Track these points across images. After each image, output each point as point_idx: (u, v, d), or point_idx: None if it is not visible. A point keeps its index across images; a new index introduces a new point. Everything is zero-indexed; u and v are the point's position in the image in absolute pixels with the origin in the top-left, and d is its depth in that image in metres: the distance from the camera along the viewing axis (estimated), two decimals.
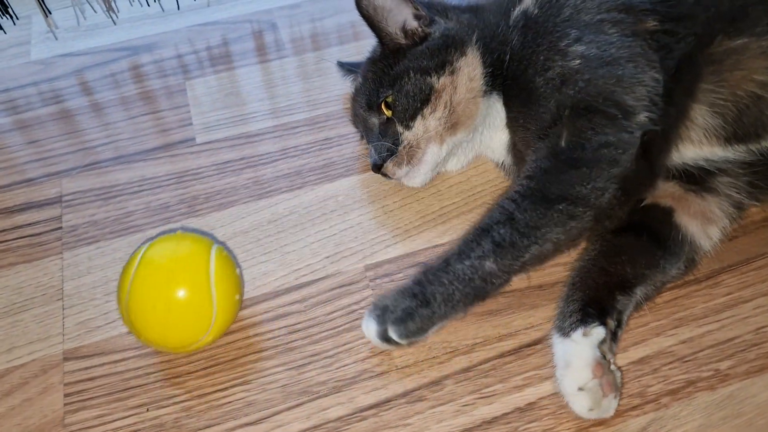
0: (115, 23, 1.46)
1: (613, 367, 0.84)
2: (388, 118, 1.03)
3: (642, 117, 0.91)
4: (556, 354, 0.86)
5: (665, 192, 0.97)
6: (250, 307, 0.97)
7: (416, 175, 1.05)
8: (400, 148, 1.02)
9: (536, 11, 1.00)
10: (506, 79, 1.01)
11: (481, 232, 0.88)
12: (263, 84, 1.33)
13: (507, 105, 1.02)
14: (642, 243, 0.94)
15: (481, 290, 0.87)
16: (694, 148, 0.96)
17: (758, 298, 0.93)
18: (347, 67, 1.23)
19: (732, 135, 0.94)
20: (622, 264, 0.92)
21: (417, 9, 1.04)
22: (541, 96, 0.95)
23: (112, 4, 1.43)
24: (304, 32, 1.45)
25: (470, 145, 1.08)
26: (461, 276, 0.86)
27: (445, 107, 1.00)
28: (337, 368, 0.90)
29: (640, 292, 0.91)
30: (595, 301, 0.89)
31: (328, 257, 1.03)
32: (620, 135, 0.89)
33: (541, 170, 0.89)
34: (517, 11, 1.03)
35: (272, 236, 1.06)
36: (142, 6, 1.50)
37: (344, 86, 1.26)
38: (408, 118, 1.01)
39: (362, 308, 0.96)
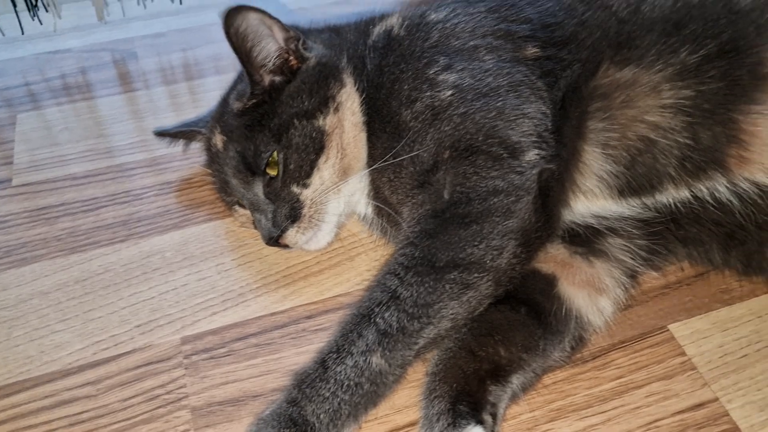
0: None
1: None
2: (272, 178, 0.84)
3: (531, 154, 0.76)
4: None
5: (548, 255, 0.81)
6: (28, 389, 0.77)
7: (321, 237, 0.87)
8: (304, 211, 0.84)
9: (402, 33, 0.85)
10: (367, 110, 0.85)
11: (361, 319, 0.70)
12: (108, 118, 1.15)
13: (370, 141, 0.85)
14: (519, 319, 0.77)
15: (372, 395, 0.69)
16: (585, 201, 0.81)
17: (652, 383, 0.77)
18: (170, 132, 1.00)
19: (626, 185, 0.80)
20: (494, 345, 0.75)
21: (289, 32, 0.85)
22: (411, 132, 0.79)
23: None
24: (174, 62, 1.29)
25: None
26: (345, 382, 0.68)
27: (336, 150, 0.83)
28: None
29: (516, 380, 0.74)
30: (466, 394, 0.71)
31: (139, 326, 0.84)
32: (509, 178, 0.74)
33: (424, 233, 0.73)
34: (378, 30, 0.88)
35: (77, 299, 0.87)
36: None
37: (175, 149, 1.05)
38: (304, 174, 0.83)
39: (168, 392, 0.76)
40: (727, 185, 0.77)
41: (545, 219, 0.76)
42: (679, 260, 0.87)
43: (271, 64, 0.84)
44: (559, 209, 0.79)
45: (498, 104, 0.77)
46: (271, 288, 0.88)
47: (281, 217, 0.83)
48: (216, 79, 1.24)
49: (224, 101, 0.89)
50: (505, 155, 0.75)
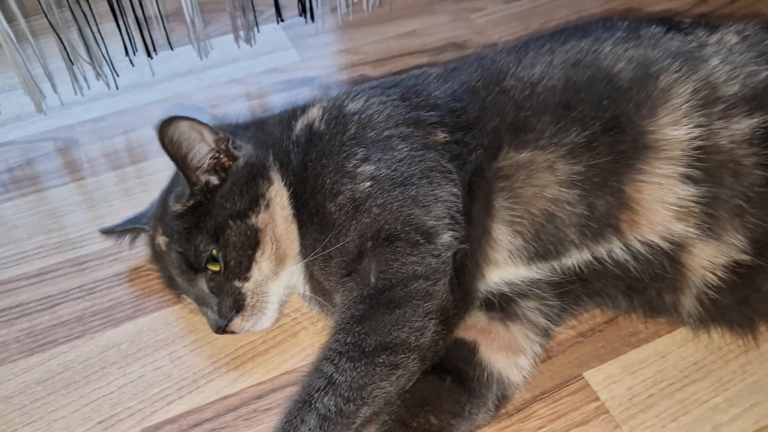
0: None
1: None
2: (214, 273, 0.90)
3: (446, 237, 0.84)
4: None
5: (468, 324, 0.89)
6: None
7: (266, 320, 0.94)
8: (247, 302, 0.90)
9: (322, 127, 0.93)
10: (295, 203, 0.93)
11: (303, 405, 0.77)
12: (58, 210, 1.19)
13: (300, 231, 0.92)
14: (446, 388, 0.85)
15: None
16: (498, 271, 0.90)
17: (571, 430, 0.86)
18: (116, 230, 1.06)
19: (534, 254, 0.88)
20: (425, 415, 0.82)
21: (218, 134, 0.91)
22: (336, 224, 0.86)
23: None
24: (117, 145, 1.34)
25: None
26: None
27: (271, 243, 0.90)
28: None
29: None
30: None
31: (101, 422, 0.89)
32: (427, 262, 0.82)
33: (354, 320, 0.80)
34: (300, 124, 0.95)
35: (40, 401, 0.92)
36: None
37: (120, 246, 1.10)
38: (244, 269, 0.89)
39: None
40: (622, 247, 0.86)
41: (462, 295, 0.84)
42: (589, 310, 0.96)
43: (205, 165, 0.91)
44: (475, 283, 0.88)
45: (412, 192, 0.85)
46: (222, 372, 0.94)
47: (226, 308, 0.90)
48: (162, 160, 1.26)
49: (164, 202, 0.95)
50: (421, 240, 0.83)
